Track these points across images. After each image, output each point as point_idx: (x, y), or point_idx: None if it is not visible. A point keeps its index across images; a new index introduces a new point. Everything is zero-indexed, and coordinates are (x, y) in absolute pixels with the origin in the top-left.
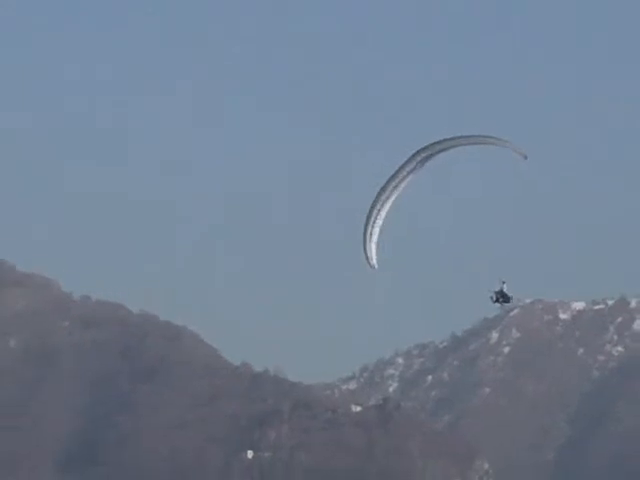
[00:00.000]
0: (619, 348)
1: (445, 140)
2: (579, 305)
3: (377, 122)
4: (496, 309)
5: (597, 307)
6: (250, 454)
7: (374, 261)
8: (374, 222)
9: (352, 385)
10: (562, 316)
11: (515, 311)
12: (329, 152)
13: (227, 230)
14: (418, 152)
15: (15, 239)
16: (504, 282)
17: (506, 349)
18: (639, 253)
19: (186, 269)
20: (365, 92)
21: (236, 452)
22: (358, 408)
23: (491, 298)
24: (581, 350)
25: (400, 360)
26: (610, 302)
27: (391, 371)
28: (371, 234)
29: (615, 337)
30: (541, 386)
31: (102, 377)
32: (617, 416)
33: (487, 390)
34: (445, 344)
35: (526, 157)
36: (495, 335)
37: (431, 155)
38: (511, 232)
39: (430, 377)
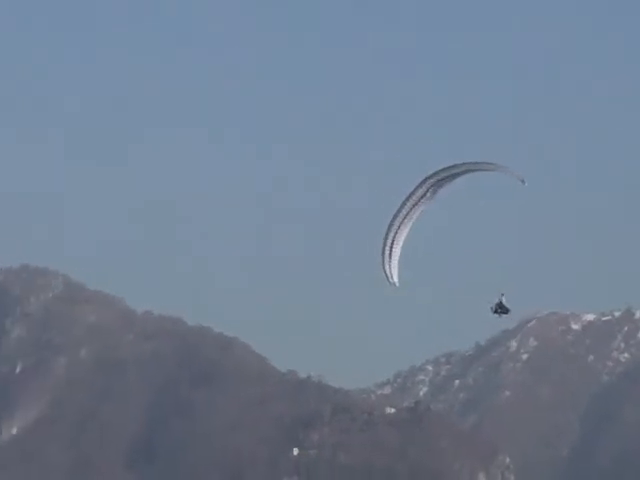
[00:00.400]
0: (626, 355)
1: (450, 167)
2: (589, 317)
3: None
4: (515, 321)
5: (605, 318)
6: (296, 452)
7: (395, 279)
8: (392, 244)
9: (387, 390)
10: (574, 326)
11: (532, 322)
12: None
13: (265, 245)
14: (426, 179)
15: (84, 260)
16: (503, 294)
17: (524, 356)
18: None
19: (236, 285)
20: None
21: (283, 451)
22: (392, 410)
23: (491, 309)
24: (591, 357)
25: (430, 367)
26: (617, 313)
27: (422, 377)
28: (390, 255)
29: (622, 345)
30: (555, 389)
31: (162, 384)
32: (624, 417)
33: (507, 393)
34: (470, 352)
35: (524, 182)
36: (514, 344)
37: (439, 181)
38: (528, 250)
39: (457, 382)
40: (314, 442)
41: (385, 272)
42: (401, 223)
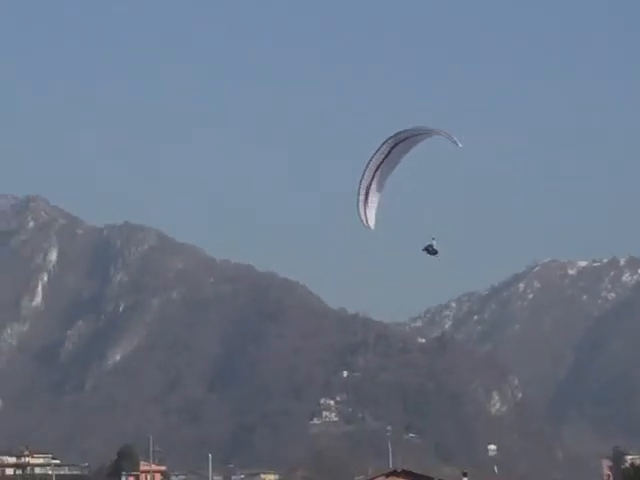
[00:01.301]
0: (612, 294)
1: (405, 131)
2: (582, 263)
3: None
4: (523, 267)
5: (595, 264)
6: (345, 374)
7: (370, 223)
8: (367, 189)
9: (418, 323)
10: (570, 271)
11: (537, 268)
12: None
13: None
14: (387, 139)
15: (174, 217)
16: (434, 239)
17: (530, 296)
18: (627, 222)
19: (299, 240)
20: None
21: (335, 372)
22: (423, 340)
23: (423, 249)
24: (584, 296)
25: (453, 304)
26: (605, 260)
27: (447, 312)
28: (366, 200)
29: (609, 286)
30: (555, 323)
31: (238, 319)
32: (611, 346)
33: (517, 326)
34: (486, 292)
35: (459, 145)
36: (522, 285)
37: (397, 141)
38: (535, 204)
39: (475, 317)
40: (360, 365)
41: (359, 216)
42: (374, 173)
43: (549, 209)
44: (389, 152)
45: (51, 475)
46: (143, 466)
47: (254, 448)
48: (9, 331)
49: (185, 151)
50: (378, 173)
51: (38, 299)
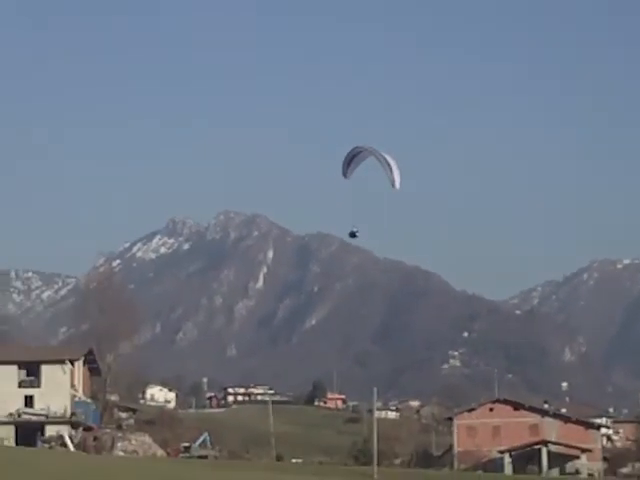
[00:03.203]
0: None
1: (362, 149)
2: (626, 261)
3: None
4: (586, 262)
5: (637, 261)
6: (466, 334)
7: (347, 175)
8: (352, 157)
9: (515, 300)
10: (618, 266)
11: (595, 263)
12: None
13: None
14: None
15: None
16: (357, 230)
17: (591, 282)
18: None
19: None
20: None
21: (459, 333)
22: (518, 312)
23: (350, 234)
24: (628, 283)
25: (539, 288)
26: None
27: (534, 294)
28: (351, 160)
29: None
30: (608, 299)
31: (394, 297)
32: None
33: (582, 303)
34: (560, 280)
35: (395, 188)
36: (586, 275)
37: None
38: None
39: (554, 296)
40: (475, 328)
41: (343, 167)
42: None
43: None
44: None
45: (268, 401)
46: (330, 395)
47: (404, 384)
48: (241, 305)
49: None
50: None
51: (260, 284)
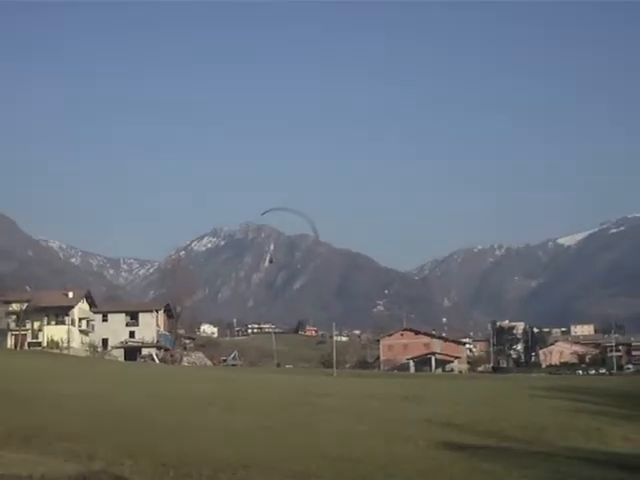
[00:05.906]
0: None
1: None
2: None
3: None
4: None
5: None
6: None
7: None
8: None
9: None
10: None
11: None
12: None
13: None
14: None
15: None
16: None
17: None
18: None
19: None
20: None
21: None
22: None
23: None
24: None
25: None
26: None
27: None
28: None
29: None
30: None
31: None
32: None
33: (455, 272)
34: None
35: (318, 239)
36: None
37: None
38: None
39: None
40: (393, 288)
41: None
42: None
43: None
44: None
45: (271, 332)
46: (308, 328)
47: (351, 320)
48: (255, 276)
49: None
50: None
51: (266, 264)
